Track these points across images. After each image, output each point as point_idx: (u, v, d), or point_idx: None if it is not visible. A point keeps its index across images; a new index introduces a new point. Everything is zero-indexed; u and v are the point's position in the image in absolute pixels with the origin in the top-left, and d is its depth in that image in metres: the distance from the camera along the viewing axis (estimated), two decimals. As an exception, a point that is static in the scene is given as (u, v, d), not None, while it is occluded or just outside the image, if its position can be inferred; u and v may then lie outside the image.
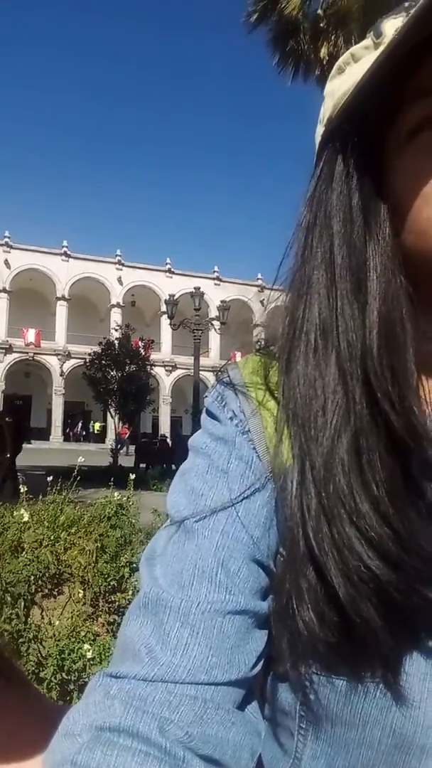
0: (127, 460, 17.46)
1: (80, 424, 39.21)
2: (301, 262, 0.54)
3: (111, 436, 24.20)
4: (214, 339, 40.55)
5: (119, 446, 19.39)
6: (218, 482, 0.49)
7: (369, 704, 0.44)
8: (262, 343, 0.60)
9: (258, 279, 46.57)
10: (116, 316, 39.11)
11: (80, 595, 3.41)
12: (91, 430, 28.43)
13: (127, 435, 23.51)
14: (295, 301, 0.53)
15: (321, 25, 12.47)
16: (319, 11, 12.64)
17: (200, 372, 18.37)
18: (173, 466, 17.70)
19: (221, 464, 0.50)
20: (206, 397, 0.57)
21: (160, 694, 0.40)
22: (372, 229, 0.50)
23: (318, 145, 0.55)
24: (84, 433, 38.38)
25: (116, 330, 20.96)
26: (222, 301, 20.93)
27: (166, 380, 42.32)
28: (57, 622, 2.98)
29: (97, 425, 29.95)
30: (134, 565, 3.87)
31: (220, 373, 0.57)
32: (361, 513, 0.44)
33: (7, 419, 11.10)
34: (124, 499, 4.75)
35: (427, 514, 0.45)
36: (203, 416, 0.56)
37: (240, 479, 0.49)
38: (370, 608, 0.43)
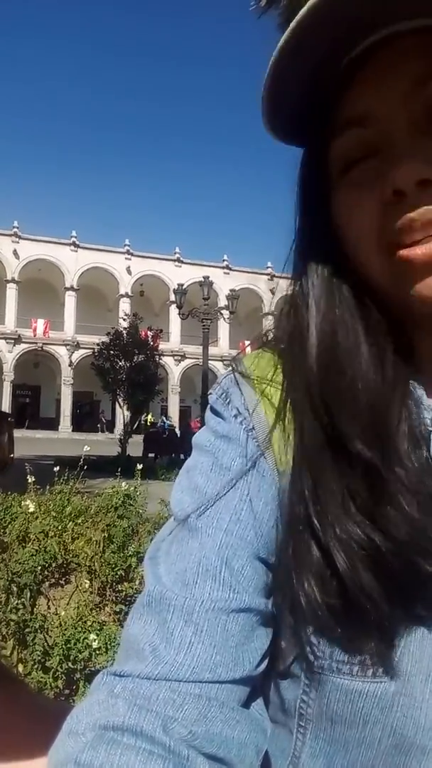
0: (135, 450, 17.51)
1: (101, 414, 38.17)
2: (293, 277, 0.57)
3: (120, 426, 24.25)
4: (223, 328, 40.49)
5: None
6: (222, 480, 0.49)
7: (370, 703, 0.44)
8: (270, 336, 0.59)
9: (268, 267, 46.36)
10: (125, 306, 39.10)
11: (87, 584, 3.42)
12: (142, 422, 28.16)
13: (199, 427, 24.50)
14: (287, 314, 0.56)
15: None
16: (330, -6, 12.42)
17: (209, 361, 18.35)
18: (182, 456, 17.76)
19: (226, 462, 0.50)
20: (210, 394, 0.56)
21: (164, 692, 0.40)
22: (314, 259, 0.52)
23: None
24: (105, 422, 37.20)
25: (124, 320, 20.96)
26: (231, 290, 20.82)
27: (174, 370, 42.38)
28: (63, 612, 2.99)
29: (150, 417, 29.88)
30: (141, 555, 3.88)
31: (226, 368, 0.57)
32: (353, 493, 0.45)
33: (9, 419, 11.33)
34: (132, 489, 4.76)
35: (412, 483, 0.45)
36: (207, 413, 0.56)
37: (244, 477, 0.49)
38: (369, 577, 0.43)
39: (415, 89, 0.44)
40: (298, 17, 0.42)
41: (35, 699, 0.56)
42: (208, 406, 0.56)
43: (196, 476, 0.50)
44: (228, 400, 0.53)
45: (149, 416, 31.23)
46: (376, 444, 0.45)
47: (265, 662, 0.46)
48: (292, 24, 0.42)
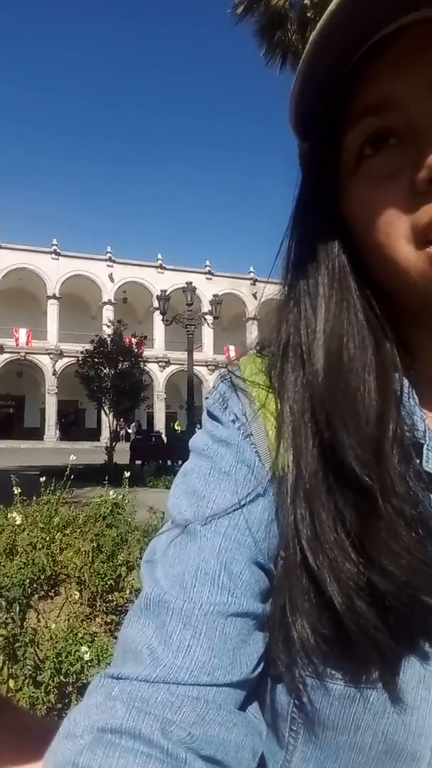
0: (121, 458, 17.41)
1: (134, 425, 34.36)
2: (284, 281, 0.55)
3: (106, 434, 24.12)
4: (207, 333, 40.54)
5: None
6: (221, 485, 0.49)
7: (362, 709, 0.44)
8: (256, 342, 0.59)
9: (250, 272, 46.55)
10: (108, 314, 38.81)
11: (77, 596, 3.38)
12: (173, 429, 27.33)
13: None
14: (280, 320, 0.54)
15: (308, 14, 12.44)
16: (306, 1, 12.59)
17: (194, 367, 18.35)
18: (168, 462, 17.69)
19: (224, 467, 0.50)
20: (207, 398, 0.56)
21: (162, 695, 0.40)
22: (320, 257, 0.51)
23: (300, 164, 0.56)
24: (136, 431, 33.02)
25: (108, 326, 20.87)
26: (214, 296, 20.86)
27: (159, 376, 42.29)
28: (53, 625, 2.95)
29: (177, 425, 29.18)
30: (131, 564, 3.86)
31: (222, 373, 0.56)
32: (348, 520, 0.45)
33: None
34: (120, 497, 4.72)
35: (410, 522, 0.45)
36: (204, 417, 0.55)
37: (242, 483, 0.49)
38: (366, 614, 0.43)
39: None
40: (328, 12, 0.42)
41: (22, 717, 0.55)
42: (205, 410, 0.55)
43: (194, 480, 0.50)
44: (225, 404, 0.53)
45: (176, 424, 30.59)
46: (372, 465, 0.45)
47: (261, 666, 0.46)
48: (323, 19, 0.42)
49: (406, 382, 0.49)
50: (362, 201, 0.48)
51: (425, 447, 0.48)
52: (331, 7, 0.41)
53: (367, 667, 0.43)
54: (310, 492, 0.46)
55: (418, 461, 0.47)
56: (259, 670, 0.45)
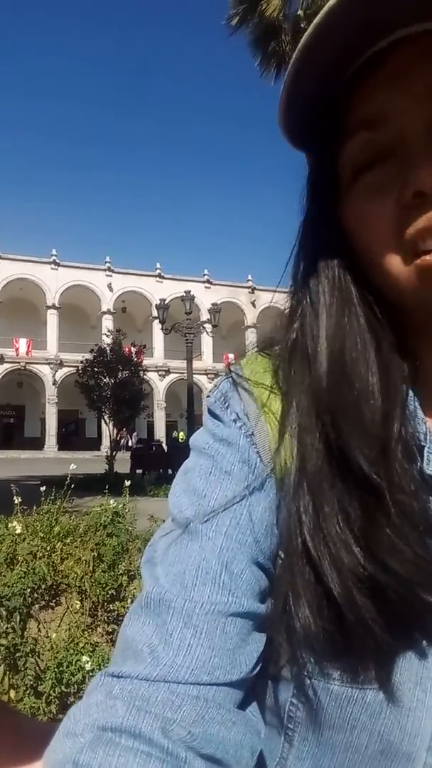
0: (122, 467, 17.38)
1: (135, 434, 33.91)
2: (291, 289, 0.57)
3: (106, 443, 24.06)
4: (206, 342, 40.60)
5: None
6: (221, 484, 0.49)
7: (359, 709, 0.44)
8: (256, 345, 0.59)
9: (248, 280, 46.67)
10: (107, 323, 38.86)
11: (78, 605, 3.37)
12: (175, 436, 27.21)
13: None
14: (289, 323, 0.55)
15: (302, 25, 12.53)
16: (299, 12, 12.73)
17: (193, 375, 18.34)
18: (170, 471, 17.64)
19: (225, 466, 0.50)
20: (208, 396, 0.56)
21: (162, 694, 0.40)
22: (321, 266, 0.52)
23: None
24: (136, 442, 31.61)
25: (107, 336, 20.89)
26: (213, 304, 20.94)
27: (159, 385, 42.26)
28: (54, 635, 2.94)
29: (182, 434, 28.97)
30: (132, 573, 3.84)
31: (211, 381, 0.56)
32: (352, 516, 0.45)
33: None
34: (120, 506, 4.71)
35: (412, 521, 0.45)
36: (205, 415, 0.55)
37: (243, 482, 0.49)
38: (365, 606, 0.43)
39: None
40: (316, 20, 0.42)
41: (20, 720, 0.55)
42: (206, 409, 0.55)
43: (195, 479, 0.50)
44: (227, 403, 0.53)
45: (181, 433, 30.46)
46: (379, 463, 0.45)
47: (260, 665, 0.46)
48: (311, 27, 0.43)
49: (408, 386, 0.50)
50: (357, 214, 0.49)
51: (426, 449, 0.48)
52: (316, 20, 0.42)
53: (365, 664, 0.44)
54: (314, 488, 0.47)
55: (419, 463, 0.47)
56: (257, 669, 0.45)
